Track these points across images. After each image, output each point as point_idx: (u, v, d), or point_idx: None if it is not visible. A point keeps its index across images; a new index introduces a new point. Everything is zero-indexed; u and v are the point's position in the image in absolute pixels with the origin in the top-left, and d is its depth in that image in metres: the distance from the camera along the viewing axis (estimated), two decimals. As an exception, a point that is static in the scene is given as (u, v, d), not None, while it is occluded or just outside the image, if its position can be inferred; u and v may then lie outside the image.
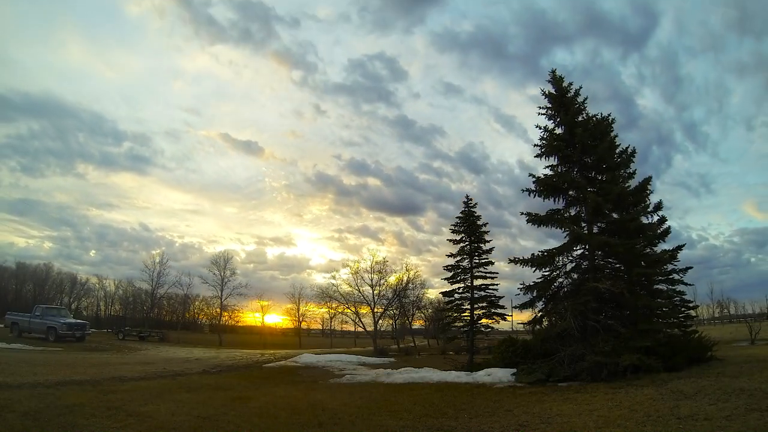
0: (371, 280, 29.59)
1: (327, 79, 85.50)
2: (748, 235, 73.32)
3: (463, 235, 19.91)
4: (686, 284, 14.31)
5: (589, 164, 12.96)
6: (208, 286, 37.81)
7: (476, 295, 19.56)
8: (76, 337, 22.24)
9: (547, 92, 13.57)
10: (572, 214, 12.95)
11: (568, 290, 12.45)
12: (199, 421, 6.10)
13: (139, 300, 46.14)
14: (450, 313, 21.03)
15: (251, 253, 69.66)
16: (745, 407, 5.81)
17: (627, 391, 8.04)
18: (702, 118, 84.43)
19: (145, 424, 5.78)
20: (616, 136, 13.04)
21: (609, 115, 13.23)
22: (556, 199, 13.15)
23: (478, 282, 19.67)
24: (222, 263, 38.02)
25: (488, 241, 19.80)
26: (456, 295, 20.07)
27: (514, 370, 11.58)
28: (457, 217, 20.27)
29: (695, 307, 20.25)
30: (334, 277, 31.79)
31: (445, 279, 20.20)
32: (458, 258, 19.93)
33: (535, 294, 12.83)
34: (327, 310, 35.81)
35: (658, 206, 13.18)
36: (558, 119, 13.43)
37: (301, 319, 44.11)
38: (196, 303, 47.54)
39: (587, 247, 12.36)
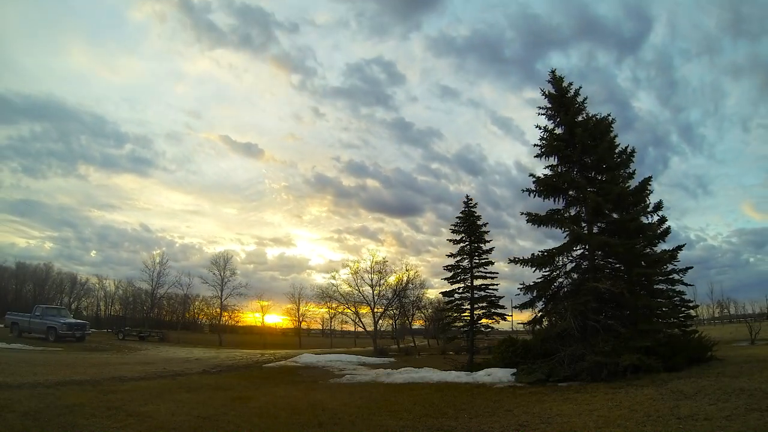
0: (371, 280, 29.64)
1: (325, 83, 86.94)
2: (746, 235, 73.64)
3: (463, 235, 19.91)
4: (686, 284, 14.33)
5: (589, 164, 12.95)
6: (208, 286, 37.91)
7: (476, 295, 19.56)
8: (76, 337, 22.24)
9: (547, 92, 13.57)
10: (572, 214, 12.95)
11: (568, 290, 12.45)
12: (199, 421, 6.10)
13: (139, 300, 46.14)
14: (450, 313, 21.04)
15: (251, 254, 69.92)
16: (745, 407, 5.81)
17: (627, 391, 8.04)
18: (698, 119, 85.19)
19: (145, 424, 5.78)
20: (615, 136, 13.05)
21: (609, 115, 13.25)
22: (556, 199, 13.15)
23: (478, 282, 19.70)
24: (222, 263, 38.10)
25: (488, 242, 19.84)
26: (456, 295, 20.08)
27: (514, 370, 11.58)
28: (457, 217, 20.31)
29: (695, 307, 20.26)
30: (333, 278, 31.82)
31: (445, 279, 20.25)
32: (458, 258, 19.94)
33: (535, 294, 12.83)
34: (327, 310, 35.86)
35: (658, 206, 13.18)
36: (558, 119, 13.43)
37: (301, 319, 44.14)
38: (196, 303, 47.59)
39: (587, 247, 12.36)
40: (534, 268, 12.77)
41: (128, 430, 5.47)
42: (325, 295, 31.29)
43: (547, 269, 12.76)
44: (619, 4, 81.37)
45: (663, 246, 13.00)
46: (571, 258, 12.72)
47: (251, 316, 47.64)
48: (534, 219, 12.92)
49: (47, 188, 71.83)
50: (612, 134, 12.96)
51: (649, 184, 12.98)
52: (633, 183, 13.04)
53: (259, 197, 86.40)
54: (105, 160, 74.32)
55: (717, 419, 5.41)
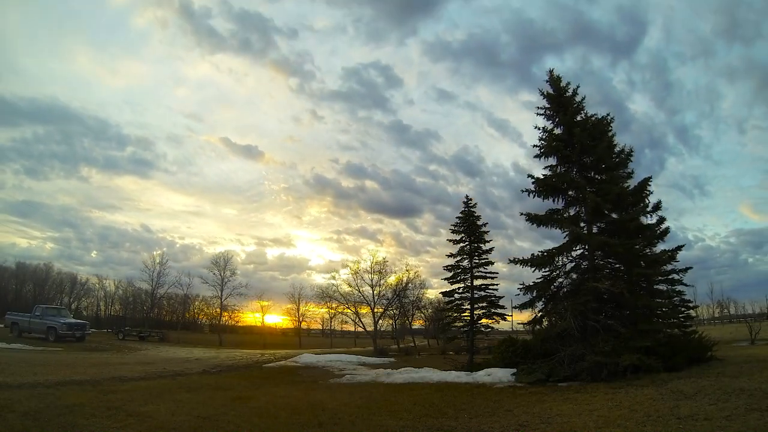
0: (371, 281, 29.66)
1: (324, 87, 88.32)
2: (744, 236, 73.90)
3: (463, 235, 19.91)
4: (686, 284, 14.32)
5: (588, 164, 12.95)
6: (208, 286, 37.93)
7: (476, 295, 19.56)
8: (76, 337, 22.23)
9: (545, 92, 13.57)
10: (572, 214, 12.96)
11: (568, 290, 12.45)
12: (199, 421, 6.10)
13: (139, 300, 46.13)
14: (450, 313, 21.04)
15: (251, 254, 69.98)
16: (745, 407, 5.81)
17: (627, 391, 8.04)
18: (694, 121, 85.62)
19: (145, 424, 5.78)
20: (614, 135, 13.06)
21: (608, 114, 13.25)
22: (556, 200, 13.15)
23: (478, 282, 19.70)
24: (222, 263, 38.12)
25: (488, 242, 19.84)
26: (456, 295, 20.08)
27: (514, 370, 11.58)
28: (456, 217, 20.32)
29: (695, 307, 20.33)
30: (333, 278, 31.84)
31: (444, 279, 20.27)
32: (458, 258, 19.94)
33: (535, 294, 12.83)
34: (327, 310, 35.87)
35: (657, 206, 13.17)
36: (556, 119, 13.43)
37: (301, 319, 44.12)
38: (196, 303, 47.56)
39: (587, 247, 12.36)
40: (534, 268, 12.79)
41: (128, 430, 5.47)
42: (325, 295, 31.36)
43: (547, 269, 12.77)
44: (614, 9, 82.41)
45: (662, 246, 13.03)
46: (570, 258, 12.73)
47: (251, 316, 47.72)
48: (533, 219, 12.93)
49: (49, 189, 72.38)
50: (611, 134, 12.97)
51: (649, 184, 12.97)
52: (632, 183, 13.05)
53: (259, 198, 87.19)
54: (107, 162, 75.02)
55: (717, 419, 5.41)
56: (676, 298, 14.36)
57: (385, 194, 80.00)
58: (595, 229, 12.67)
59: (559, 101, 13.32)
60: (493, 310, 19.50)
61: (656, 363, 9.75)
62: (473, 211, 20.06)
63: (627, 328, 10.79)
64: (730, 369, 9.56)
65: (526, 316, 16.80)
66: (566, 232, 12.53)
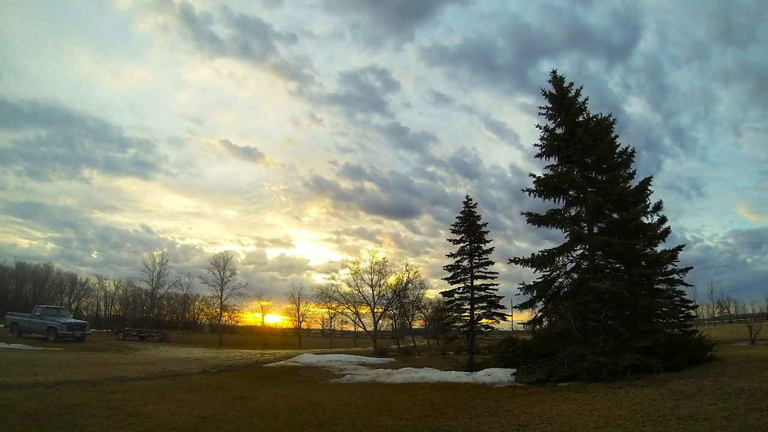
0: (371, 281, 29.66)
1: (322, 91, 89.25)
2: (742, 236, 74.24)
3: (463, 235, 19.91)
4: (686, 284, 14.34)
5: (589, 164, 12.95)
6: (208, 286, 37.94)
7: (476, 295, 19.56)
8: (76, 337, 22.23)
9: (547, 92, 13.57)
10: (572, 214, 12.95)
11: (568, 290, 12.45)
12: (199, 421, 6.10)
13: (139, 300, 46.13)
14: (450, 313, 21.04)
15: (251, 254, 70.13)
16: (745, 407, 5.81)
17: (627, 391, 8.04)
18: (689, 123, 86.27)
19: (145, 424, 5.78)
20: (616, 136, 13.07)
21: (610, 115, 13.27)
22: (557, 199, 13.15)
23: (478, 282, 19.70)
24: (222, 263, 38.12)
25: (488, 242, 19.84)
26: (456, 295, 20.08)
27: (514, 370, 11.58)
28: (457, 217, 20.32)
29: (695, 307, 20.31)
30: (333, 278, 31.85)
31: (444, 279, 20.27)
32: (458, 258, 19.94)
33: (535, 294, 12.83)
34: (327, 310, 35.89)
35: (658, 206, 13.19)
36: (558, 119, 13.42)
37: (301, 319, 44.14)
38: (196, 303, 47.54)
39: (587, 247, 12.36)
40: (534, 268, 12.78)
41: (128, 430, 5.47)
42: (325, 295, 31.37)
43: (547, 269, 12.76)
44: (609, 14, 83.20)
45: (663, 246, 13.03)
46: (571, 258, 12.72)
47: (251, 316, 47.72)
48: (534, 219, 12.92)
49: (51, 191, 72.94)
50: (612, 134, 12.97)
51: (650, 185, 13.00)
52: (633, 183, 13.06)
53: (259, 200, 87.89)
54: (108, 164, 75.57)
55: (717, 419, 5.41)
56: (676, 298, 14.38)
57: (383, 195, 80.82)
58: (595, 229, 12.67)
59: (562, 101, 13.32)
60: (493, 310, 19.50)
61: (656, 363, 9.75)
62: (473, 211, 20.07)
63: (627, 328, 10.78)
64: (730, 369, 9.56)
65: (526, 316, 16.84)
66: (567, 232, 12.54)
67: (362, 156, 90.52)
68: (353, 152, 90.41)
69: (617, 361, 9.80)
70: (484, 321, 19.75)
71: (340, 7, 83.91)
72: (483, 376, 11.76)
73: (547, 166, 13.40)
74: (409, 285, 30.57)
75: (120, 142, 77.54)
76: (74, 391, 7.89)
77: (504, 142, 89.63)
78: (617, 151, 13.03)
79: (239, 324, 46.49)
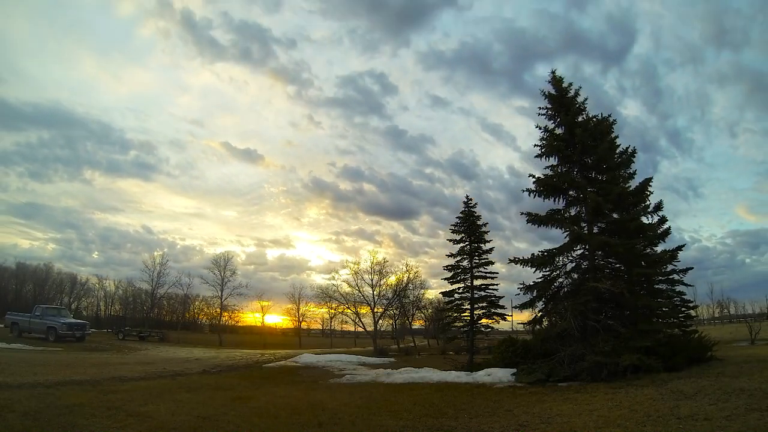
0: (371, 281, 29.66)
1: (321, 94, 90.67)
2: (741, 236, 74.46)
3: (463, 235, 19.90)
4: (686, 284, 14.35)
5: (589, 164, 12.95)
6: (208, 286, 37.92)
7: (476, 295, 19.55)
8: (76, 337, 22.23)
9: (547, 93, 13.57)
10: (572, 214, 12.95)
11: (568, 290, 12.45)
12: (199, 421, 6.10)
13: (139, 300, 46.12)
14: (450, 313, 21.03)
15: (251, 255, 70.24)
16: (745, 407, 5.81)
17: (627, 391, 8.04)
18: (685, 125, 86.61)
19: (145, 424, 5.78)
20: (616, 136, 13.07)
21: (609, 115, 13.27)
22: (557, 199, 13.15)
23: (478, 282, 19.68)
24: (222, 264, 38.10)
25: (488, 242, 19.83)
26: (456, 295, 20.06)
27: (514, 370, 11.58)
28: (457, 218, 20.30)
29: (695, 307, 20.31)
30: (333, 278, 31.84)
31: (444, 279, 20.25)
32: (458, 258, 19.93)
33: (535, 294, 12.83)
34: (327, 310, 35.88)
35: (658, 206, 13.19)
36: (558, 119, 13.43)
37: (301, 319, 44.12)
38: (196, 303, 47.53)
39: (587, 247, 12.36)
40: (534, 268, 12.79)
41: (128, 430, 5.47)
42: (326, 296, 31.37)
43: (547, 269, 12.77)
44: (603, 18, 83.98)
45: (663, 246, 13.03)
46: (571, 258, 12.72)
47: (251, 316, 47.68)
48: (534, 219, 12.92)
49: (52, 192, 73.39)
50: (612, 135, 12.97)
51: (650, 185, 13.00)
52: (633, 183, 13.06)
53: (259, 201, 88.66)
54: (110, 166, 76.08)
55: (717, 419, 5.41)
56: (676, 298, 14.38)
57: (382, 197, 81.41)
58: (595, 229, 12.67)
59: (561, 102, 13.32)
60: (493, 310, 19.48)
61: (656, 363, 9.75)
62: (473, 211, 20.06)
63: (627, 328, 10.79)
64: (730, 369, 9.56)
65: (526, 316, 16.84)
66: (567, 232, 12.53)
67: (361, 158, 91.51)
68: (352, 154, 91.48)
69: (617, 361, 9.80)
70: (484, 321, 19.74)
71: (338, 13, 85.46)
72: (483, 376, 11.76)
73: (547, 167, 13.43)
74: (410, 285, 30.62)
75: (122, 144, 78.31)
76: (74, 391, 7.89)
77: (501, 144, 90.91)
78: (617, 151, 13.03)
79: (239, 324, 46.51)
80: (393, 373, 13.20)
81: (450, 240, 20.15)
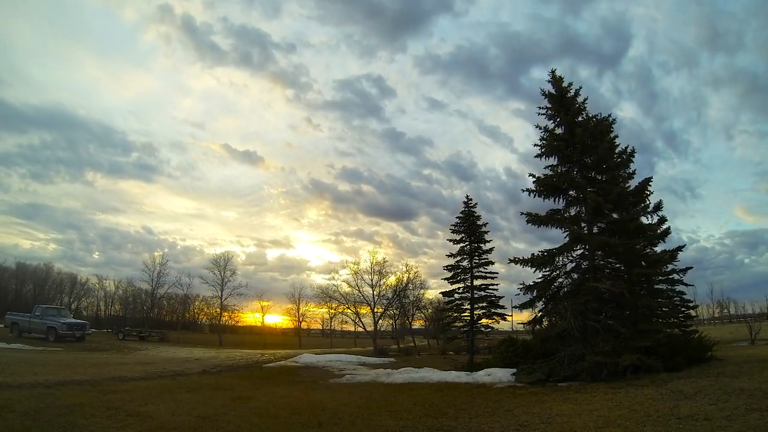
0: (371, 281, 29.67)
1: (320, 97, 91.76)
2: (739, 237, 74.29)
3: (463, 235, 19.89)
4: (686, 284, 14.34)
5: (589, 164, 12.95)
6: (208, 286, 37.93)
7: (476, 295, 19.54)
8: (76, 337, 22.22)
9: (546, 92, 13.56)
10: (572, 214, 12.95)
11: (568, 290, 12.45)
12: (199, 421, 6.10)
13: (139, 300, 46.11)
14: (450, 313, 21.03)
15: (251, 255, 70.33)
16: (745, 407, 5.81)
17: (627, 391, 8.04)
18: (681, 127, 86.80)
19: (145, 424, 5.78)
20: (616, 136, 13.07)
21: (609, 115, 13.28)
22: (556, 199, 13.15)
23: (478, 282, 19.68)
24: (222, 264, 38.11)
25: (488, 242, 19.82)
26: (456, 295, 20.06)
27: (514, 370, 11.58)
28: (457, 218, 20.29)
29: (695, 307, 20.32)
30: (333, 278, 31.85)
31: (444, 279, 20.24)
32: (458, 258, 19.92)
33: (535, 294, 12.83)
34: (327, 310, 35.89)
35: (658, 206, 13.19)
36: (558, 119, 13.43)
37: (301, 319, 44.12)
38: (196, 303, 47.53)
39: (587, 247, 12.36)
40: (534, 268, 12.79)
41: (128, 430, 5.47)
42: (326, 295, 31.39)
43: (547, 269, 12.77)
44: (598, 23, 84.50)
45: (663, 246, 13.03)
46: (571, 258, 12.72)
47: (251, 316, 47.70)
48: (534, 219, 12.91)
49: (54, 193, 73.77)
50: (612, 134, 12.97)
51: (649, 185, 12.98)
52: (633, 183, 13.06)
53: (259, 202, 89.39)
54: (112, 167, 76.51)
55: (717, 419, 5.41)
56: (676, 298, 14.37)
57: (381, 198, 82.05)
58: (595, 229, 12.67)
59: (561, 101, 13.32)
60: (493, 310, 19.48)
61: (656, 363, 9.75)
62: (473, 211, 20.05)
63: (627, 328, 10.79)
64: (730, 369, 9.56)
65: (526, 316, 16.86)
66: (566, 232, 12.53)
67: (360, 159, 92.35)
68: (351, 156, 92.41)
69: (617, 361, 9.80)
70: (484, 321, 19.73)
71: (335, 19, 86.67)
72: (483, 376, 11.76)
73: (547, 166, 13.43)
74: (410, 285, 30.63)
75: (123, 146, 78.89)
76: (74, 391, 7.89)
77: (498, 146, 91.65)
78: (617, 151, 13.03)
79: (239, 324, 46.52)
80: (393, 373, 13.20)
81: (450, 240, 20.19)
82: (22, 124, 69.15)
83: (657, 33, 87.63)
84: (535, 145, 13.44)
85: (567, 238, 12.52)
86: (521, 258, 12.87)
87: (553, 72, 13.59)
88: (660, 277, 13.36)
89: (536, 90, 13.89)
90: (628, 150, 13.03)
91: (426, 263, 72.31)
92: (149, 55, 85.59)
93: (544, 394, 8.68)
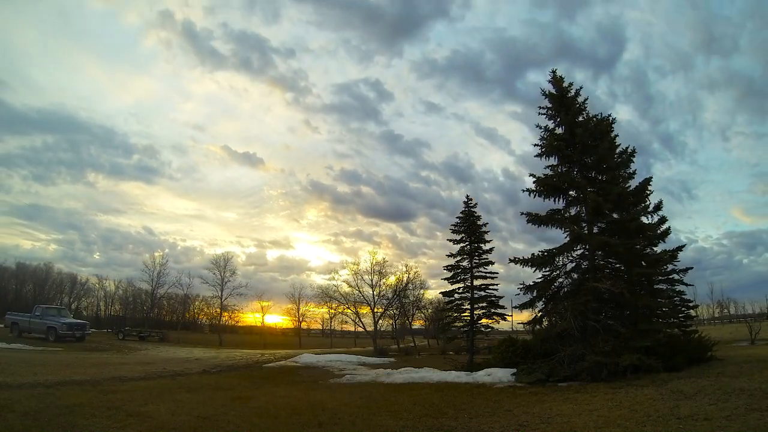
0: (371, 281, 29.68)
1: (318, 101, 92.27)
2: (737, 237, 74.56)
3: (463, 235, 19.90)
4: (686, 284, 14.34)
5: (589, 164, 12.95)
6: (208, 286, 37.91)
7: (476, 295, 19.55)
8: (76, 337, 22.22)
9: (547, 92, 13.55)
10: (572, 214, 12.94)
11: (568, 290, 12.45)
12: (199, 421, 6.10)
13: (139, 300, 46.11)
14: (450, 313, 21.03)
15: (251, 255, 70.49)
16: (745, 407, 5.81)
17: (627, 391, 8.04)
18: (677, 129, 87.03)
19: (145, 424, 5.78)
20: (616, 136, 13.07)
21: (609, 115, 13.30)
22: (556, 199, 13.14)
23: (478, 282, 19.68)
24: (222, 264, 38.11)
25: (488, 242, 19.83)
26: (456, 295, 20.06)
27: (514, 370, 11.58)
28: (457, 218, 20.30)
29: (695, 307, 20.32)
30: (333, 278, 31.85)
31: (444, 279, 20.26)
32: (458, 258, 19.93)
33: (535, 294, 12.82)
34: (327, 310, 35.90)
35: (658, 206, 13.20)
36: (558, 119, 13.42)
37: (301, 319, 44.14)
38: (196, 303, 47.53)
39: (587, 247, 12.36)
40: (534, 269, 12.78)
41: (128, 430, 5.47)
42: (326, 296, 31.39)
43: (547, 269, 12.76)
44: (593, 28, 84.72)
45: (663, 246, 13.03)
46: (571, 258, 12.72)
47: (251, 316, 47.71)
48: (534, 219, 12.91)
49: (55, 194, 74.15)
50: (612, 134, 12.97)
51: (650, 185, 12.99)
52: (633, 183, 13.07)
53: (259, 203, 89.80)
54: (113, 169, 77.01)
55: (717, 419, 5.41)
56: (676, 298, 14.38)
57: (380, 199, 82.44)
58: (595, 229, 12.66)
59: (561, 101, 13.31)
60: (493, 310, 19.48)
61: (656, 363, 9.75)
62: (473, 211, 20.05)
63: (627, 328, 10.79)
64: (730, 369, 9.56)
65: (526, 316, 16.85)
66: (566, 232, 12.53)
67: (358, 161, 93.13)
68: (350, 158, 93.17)
69: (617, 361, 9.80)
70: (484, 321, 19.74)
71: (334, 24, 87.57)
72: (483, 376, 11.76)
73: (547, 166, 13.41)
74: (409, 285, 30.63)
75: (125, 148, 79.42)
76: (74, 391, 7.89)
77: (495, 148, 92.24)
78: (617, 151, 13.03)
79: (239, 324, 46.54)
80: (393, 373, 13.20)
81: (450, 240, 20.19)
82: (24, 127, 69.77)
83: (652, 37, 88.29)
84: (535, 144, 13.46)
85: (567, 238, 12.52)
86: (521, 258, 12.88)
87: (553, 72, 13.60)
88: (660, 277, 13.37)
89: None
90: (628, 150, 13.04)
91: (425, 263, 72.71)
92: (150, 59, 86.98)
93: (544, 394, 8.68)
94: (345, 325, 45.34)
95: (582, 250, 12.63)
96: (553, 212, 13.03)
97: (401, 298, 30.64)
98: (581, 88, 13.24)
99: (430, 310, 38.67)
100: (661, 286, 13.68)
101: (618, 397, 7.49)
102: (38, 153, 70.70)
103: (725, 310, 50.65)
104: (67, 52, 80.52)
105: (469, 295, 19.60)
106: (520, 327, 27.59)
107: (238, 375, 12.90)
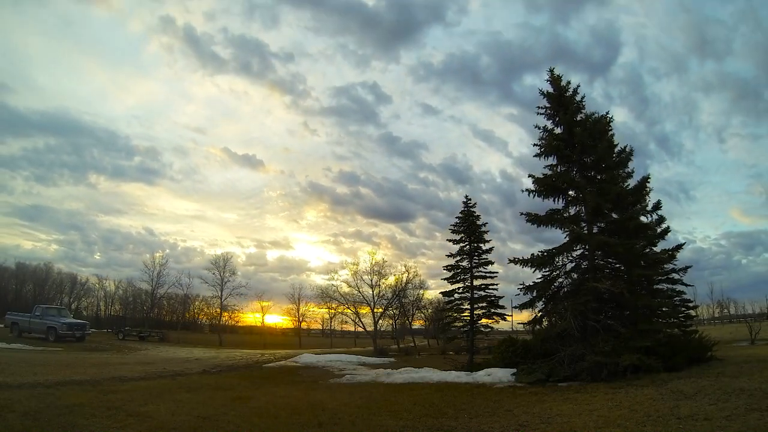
0: (370, 281, 29.70)
1: (317, 104, 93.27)
2: (735, 238, 74.59)
3: (462, 235, 19.90)
4: (686, 284, 14.33)
5: (588, 164, 12.94)
6: (208, 286, 37.95)
7: (476, 295, 19.55)
8: (76, 337, 22.23)
9: (545, 92, 13.54)
10: (572, 213, 12.94)
11: (568, 290, 12.45)
12: (199, 421, 6.10)
13: (139, 300, 46.11)
14: (450, 313, 21.03)
15: (251, 256, 70.75)
16: (745, 407, 5.81)
17: (627, 391, 8.04)
18: (674, 131, 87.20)
19: (145, 424, 5.78)
20: (614, 135, 13.06)
21: (607, 113, 13.24)
22: (556, 199, 13.13)
23: (477, 282, 19.68)
24: (222, 264, 38.14)
25: (488, 242, 19.83)
26: (456, 295, 20.06)
27: (514, 370, 11.58)
28: (456, 218, 20.28)
29: (695, 307, 20.29)
30: (333, 278, 31.85)
31: (444, 279, 20.26)
32: (458, 258, 19.93)
33: (535, 294, 12.82)
34: (327, 310, 35.90)
35: (657, 206, 13.19)
36: (557, 119, 13.40)
37: (301, 319, 44.15)
38: (196, 303, 47.55)
39: (587, 247, 12.36)
40: (534, 269, 12.78)
41: (128, 430, 5.47)
42: (326, 296, 31.39)
43: (547, 269, 12.76)
44: (588, 31, 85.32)
45: (662, 246, 13.04)
46: (571, 258, 12.72)
47: (251, 316, 47.75)
48: (533, 219, 12.90)
49: (57, 195, 74.81)
50: (611, 133, 12.97)
51: (648, 183, 12.97)
52: (632, 182, 13.06)
53: (259, 204, 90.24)
54: (115, 170, 77.64)
55: (717, 419, 5.41)
56: (676, 298, 14.36)
57: (378, 200, 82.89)
58: (595, 229, 12.66)
59: (560, 100, 13.30)
60: (492, 310, 19.49)
61: (656, 363, 9.75)
62: (473, 211, 20.04)
63: (627, 328, 10.78)
64: (730, 369, 9.56)
65: (526, 316, 16.84)
66: (566, 232, 12.53)
67: (357, 163, 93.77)
68: (348, 160, 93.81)
69: (617, 361, 9.80)
70: (484, 321, 19.75)
71: (332, 30, 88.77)
72: (483, 376, 11.76)
73: (546, 166, 13.40)
74: (409, 285, 30.64)
75: (127, 150, 79.93)
76: (74, 391, 7.89)
77: (493, 150, 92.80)
78: (616, 150, 13.02)
79: (239, 324, 46.58)
80: (393, 373, 13.21)
81: (449, 240, 20.19)
82: (27, 129, 70.31)
83: (647, 40, 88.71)
84: (534, 145, 13.44)
85: (567, 238, 12.52)
86: (521, 258, 12.88)
87: (551, 71, 13.56)
88: (660, 277, 13.36)
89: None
90: (627, 149, 13.03)
91: (424, 264, 72.92)
92: (153, 63, 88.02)
93: (544, 394, 8.68)
94: (345, 325, 45.45)
95: (581, 250, 12.63)
96: (552, 212, 13.02)
97: (401, 298, 30.66)
98: (579, 86, 13.23)
99: (429, 310, 38.71)
100: (661, 286, 13.67)
101: (618, 397, 7.49)
102: (40, 155, 71.37)
103: (725, 310, 50.70)
104: (71, 57, 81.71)
105: (469, 295, 19.60)
106: (520, 327, 27.61)
107: (238, 375, 12.90)
